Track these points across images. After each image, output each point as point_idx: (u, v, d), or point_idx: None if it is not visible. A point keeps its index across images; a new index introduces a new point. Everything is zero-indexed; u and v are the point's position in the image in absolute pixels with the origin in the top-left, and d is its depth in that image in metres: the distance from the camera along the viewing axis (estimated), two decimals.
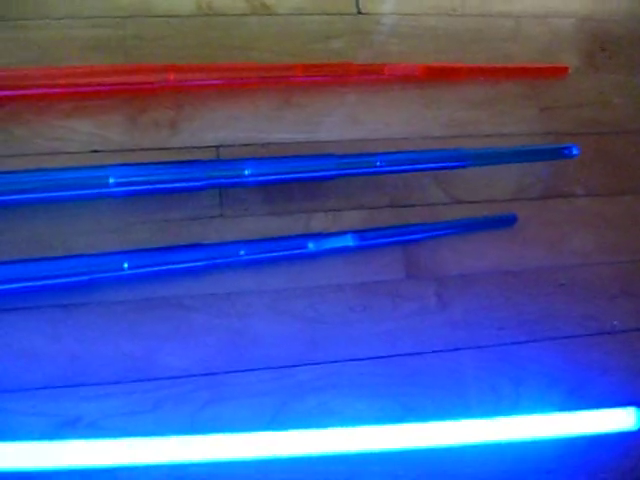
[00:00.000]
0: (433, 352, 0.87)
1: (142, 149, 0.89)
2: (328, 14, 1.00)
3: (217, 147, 0.91)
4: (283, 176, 0.87)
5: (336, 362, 0.85)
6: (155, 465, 0.76)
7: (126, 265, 0.80)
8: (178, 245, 0.84)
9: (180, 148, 0.90)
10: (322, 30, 0.99)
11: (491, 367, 0.86)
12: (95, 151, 0.88)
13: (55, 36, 0.92)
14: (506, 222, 0.93)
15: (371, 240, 0.88)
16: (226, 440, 0.76)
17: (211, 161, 0.88)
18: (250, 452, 0.76)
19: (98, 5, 0.94)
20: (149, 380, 0.82)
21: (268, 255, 0.86)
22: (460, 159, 0.91)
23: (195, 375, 0.83)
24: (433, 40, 1.00)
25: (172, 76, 0.89)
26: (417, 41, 0.99)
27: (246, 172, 0.86)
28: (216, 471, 0.78)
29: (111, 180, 0.82)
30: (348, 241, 0.87)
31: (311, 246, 0.86)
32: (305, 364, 0.85)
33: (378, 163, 0.89)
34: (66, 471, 0.74)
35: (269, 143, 0.92)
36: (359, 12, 1.00)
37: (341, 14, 1.00)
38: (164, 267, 0.83)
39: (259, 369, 0.84)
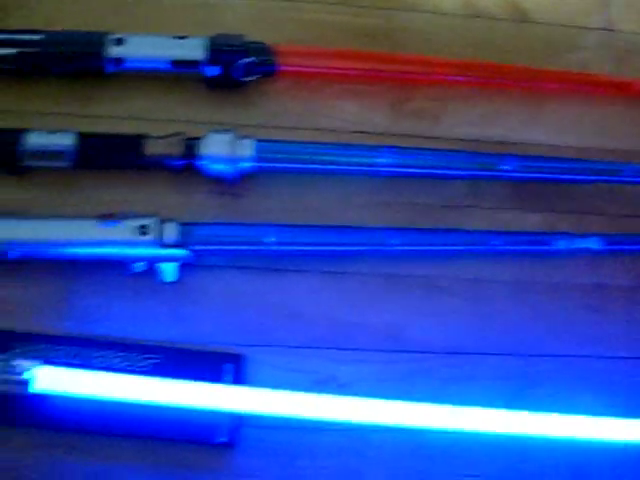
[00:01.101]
0: None
1: (404, 135, 0.96)
2: (579, 27, 1.04)
3: (472, 141, 0.97)
4: (535, 174, 0.92)
5: (570, 356, 0.88)
6: (401, 428, 0.81)
7: (392, 241, 0.86)
8: (437, 228, 0.90)
9: (440, 138, 0.96)
10: (573, 41, 1.03)
11: None
12: (362, 132, 0.95)
13: (328, 20, 1.00)
14: None
15: (616, 245, 0.91)
16: (467, 412, 0.81)
17: (471, 153, 0.93)
18: (488, 427, 0.81)
19: None
20: (401, 352, 0.87)
21: (516, 247, 0.91)
22: None
23: (442, 353, 0.88)
24: None
25: (438, 70, 0.95)
26: None
27: (502, 167, 0.90)
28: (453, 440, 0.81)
29: (379, 160, 0.88)
30: (593, 244, 0.91)
31: (560, 244, 0.90)
32: (543, 355, 0.88)
33: (625, 172, 0.92)
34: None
35: (522, 142, 0.97)
36: (608, 28, 1.04)
37: (592, 28, 1.05)
38: (421, 247, 0.89)
39: (501, 354, 0.88)
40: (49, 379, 0.73)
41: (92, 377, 0.75)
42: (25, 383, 0.72)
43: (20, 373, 0.74)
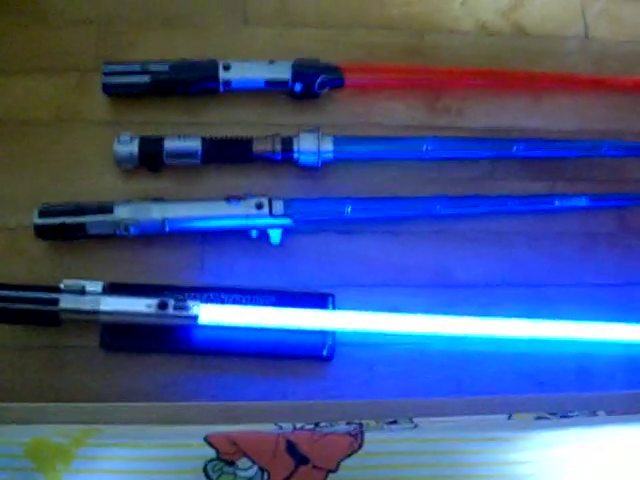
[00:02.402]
0: (634, 284, 1.20)
1: (437, 127, 1.22)
2: (565, 37, 1.34)
3: (489, 130, 1.23)
4: (538, 153, 1.23)
5: (570, 285, 1.18)
6: (448, 337, 1.08)
7: (437, 206, 1.17)
8: (468, 195, 1.17)
9: (464, 128, 1.22)
10: (560, 49, 1.32)
11: None
12: (407, 126, 1.22)
13: (375, 42, 1.27)
14: None
15: (599, 202, 1.19)
16: (499, 322, 1.11)
17: (489, 138, 1.21)
18: (514, 332, 1.09)
19: (403, 21, 1.30)
20: (446, 287, 1.13)
21: (527, 207, 1.18)
22: None
23: (476, 285, 1.14)
24: None
25: (463, 76, 1.25)
26: (630, 60, 1.32)
27: (514, 148, 1.20)
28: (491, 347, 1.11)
29: (425, 147, 1.19)
30: (583, 202, 1.19)
31: (556, 203, 1.19)
32: (550, 284, 1.17)
33: (604, 148, 1.20)
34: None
35: (525, 129, 1.24)
36: (587, 37, 1.34)
37: (574, 37, 1.34)
38: (458, 210, 1.18)
39: (519, 285, 1.16)
40: (208, 313, 1.02)
41: (234, 309, 1.04)
42: (193, 317, 1.01)
43: (189, 309, 1.03)
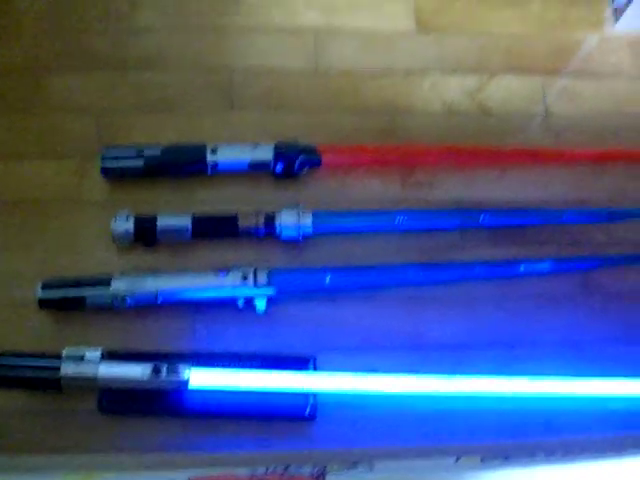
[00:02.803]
0: (597, 342, 1.28)
1: (410, 200, 1.32)
2: (527, 114, 1.44)
3: (459, 201, 1.32)
4: (503, 222, 1.32)
5: (537, 344, 1.25)
6: (422, 396, 1.14)
7: (410, 274, 1.26)
8: (439, 263, 1.26)
9: (434, 201, 1.32)
10: (523, 125, 1.43)
11: None
12: (381, 200, 1.31)
13: (350, 124, 1.38)
14: None
15: (561, 266, 1.28)
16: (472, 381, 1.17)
17: (458, 210, 1.30)
18: (485, 389, 1.14)
19: (376, 105, 1.41)
20: (420, 348, 1.20)
21: (494, 272, 1.26)
22: (617, 215, 1.32)
23: (449, 347, 1.21)
24: (597, 133, 1.44)
25: (432, 154, 1.37)
26: (587, 133, 1.44)
27: (480, 218, 1.29)
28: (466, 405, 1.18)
29: (397, 220, 1.28)
30: (546, 266, 1.27)
31: (522, 268, 1.28)
32: (518, 344, 1.23)
33: (565, 216, 1.31)
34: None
35: (491, 200, 1.33)
36: (547, 113, 1.45)
37: (536, 114, 1.44)
38: (430, 277, 1.25)
39: (489, 345, 1.22)
40: (198, 377, 1.10)
41: (223, 373, 1.11)
42: (184, 381, 1.08)
43: (180, 373, 1.12)
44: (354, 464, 0.77)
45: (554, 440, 0.98)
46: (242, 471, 0.75)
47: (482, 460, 0.78)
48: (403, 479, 0.75)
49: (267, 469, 0.75)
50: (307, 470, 0.73)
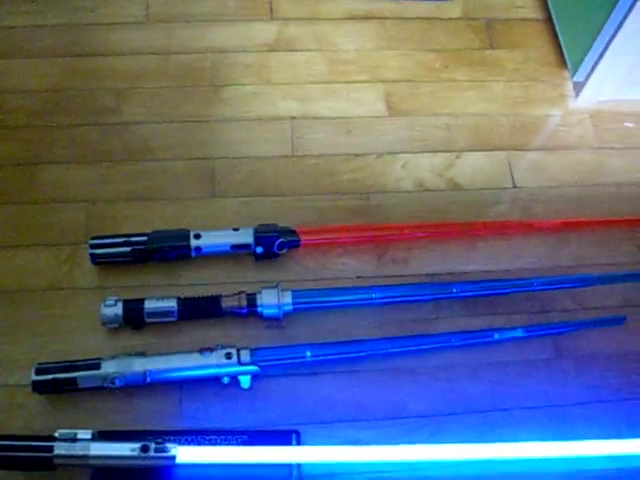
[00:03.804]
0: (571, 404, 1.33)
1: (386, 276, 1.39)
2: (495, 188, 1.54)
3: (432, 275, 1.39)
4: (475, 292, 1.39)
5: (512, 409, 1.30)
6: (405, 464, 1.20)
7: (388, 346, 1.33)
8: (414, 335, 1.33)
9: (409, 275, 1.39)
10: (491, 199, 1.52)
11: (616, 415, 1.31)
12: (359, 277, 1.38)
13: (327, 205, 1.46)
14: (617, 321, 1.39)
15: (533, 332, 1.35)
16: (450, 448, 1.22)
17: (431, 283, 1.37)
18: (463, 455, 1.21)
19: (351, 186, 1.50)
20: (400, 417, 1.25)
21: (469, 341, 1.34)
22: (584, 281, 1.41)
23: (427, 415, 1.25)
24: (563, 203, 1.52)
25: (405, 231, 1.45)
26: (553, 204, 1.53)
27: (453, 290, 1.37)
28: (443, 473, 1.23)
29: (373, 295, 1.36)
30: (519, 333, 1.33)
31: (496, 336, 1.35)
32: (493, 410, 1.28)
33: (534, 284, 1.40)
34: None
35: (464, 272, 1.41)
36: (514, 186, 1.54)
37: (503, 188, 1.53)
38: (407, 348, 1.34)
39: (466, 412, 1.27)
40: (185, 454, 1.15)
41: (209, 449, 1.17)
42: (172, 458, 1.14)
43: (168, 451, 1.17)
44: None
45: None
46: None
47: None
48: None
49: None
50: None
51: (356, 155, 1.49)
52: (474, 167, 1.50)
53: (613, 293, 1.37)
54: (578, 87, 1.60)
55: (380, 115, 1.57)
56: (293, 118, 1.53)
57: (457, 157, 1.51)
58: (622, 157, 1.55)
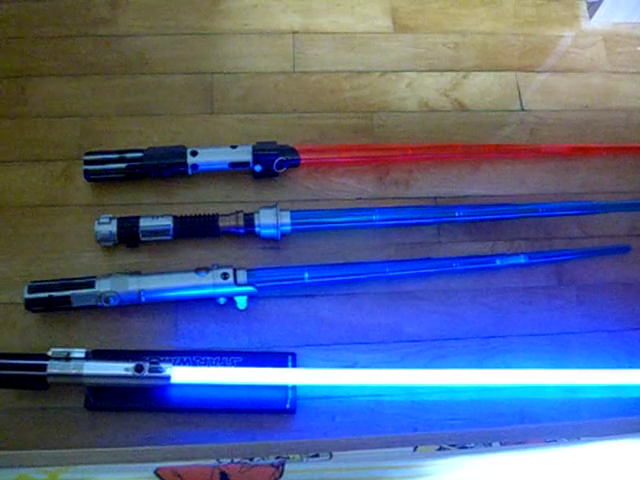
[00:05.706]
0: (571, 333, 1.31)
1: (388, 198, 1.35)
2: (502, 110, 1.48)
3: (435, 198, 1.36)
4: (478, 217, 1.36)
5: (513, 336, 1.28)
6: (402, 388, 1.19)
7: (387, 270, 1.31)
8: (416, 259, 1.30)
9: (411, 198, 1.36)
10: (498, 122, 1.47)
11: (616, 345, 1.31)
12: (359, 198, 1.35)
13: (328, 124, 1.42)
14: (622, 250, 1.37)
15: (536, 259, 1.33)
16: (449, 373, 1.20)
17: (433, 207, 1.36)
18: (462, 381, 1.19)
19: (353, 104, 1.45)
20: (399, 342, 1.23)
21: (471, 266, 1.32)
22: (590, 208, 1.37)
23: (426, 340, 1.24)
24: (571, 128, 1.47)
25: (408, 151, 1.40)
26: (561, 128, 1.48)
27: (456, 214, 1.33)
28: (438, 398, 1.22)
29: (374, 217, 1.32)
30: (521, 259, 1.31)
31: (497, 262, 1.32)
32: (494, 336, 1.27)
33: (540, 210, 1.36)
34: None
35: (467, 196, 1.38)
36: (522, 109, 1.50)
37: (511, 110, 1.48)
38: (407, 272, 1.32)
39: (466, 338, 1.26)
40: (180, 374, 1.13)
41: (204, 370, 1.15)
42: (166, 378, 1.12)
43: (162, 371, 1.15)
44: (315, 455, 0.80)
45: (509, 428, 1.00)
46: (209, 462, 0.78)
47: (439, 449, 0.81)
48: (361, 468, 0.78)
49: (232, 461, 0.78)
50: (269, 461, 0.76)
51: (359, 72, 1.44)
52: (481, 88, 1.46)
53: (619, 222, 1.34)
54: (592, 7, 1.55)
55: (385, 31, 1.51)
56: (295, 32, 1.47)
57: (464, 77, 1.45)
58: (634, 82, 1.48)
